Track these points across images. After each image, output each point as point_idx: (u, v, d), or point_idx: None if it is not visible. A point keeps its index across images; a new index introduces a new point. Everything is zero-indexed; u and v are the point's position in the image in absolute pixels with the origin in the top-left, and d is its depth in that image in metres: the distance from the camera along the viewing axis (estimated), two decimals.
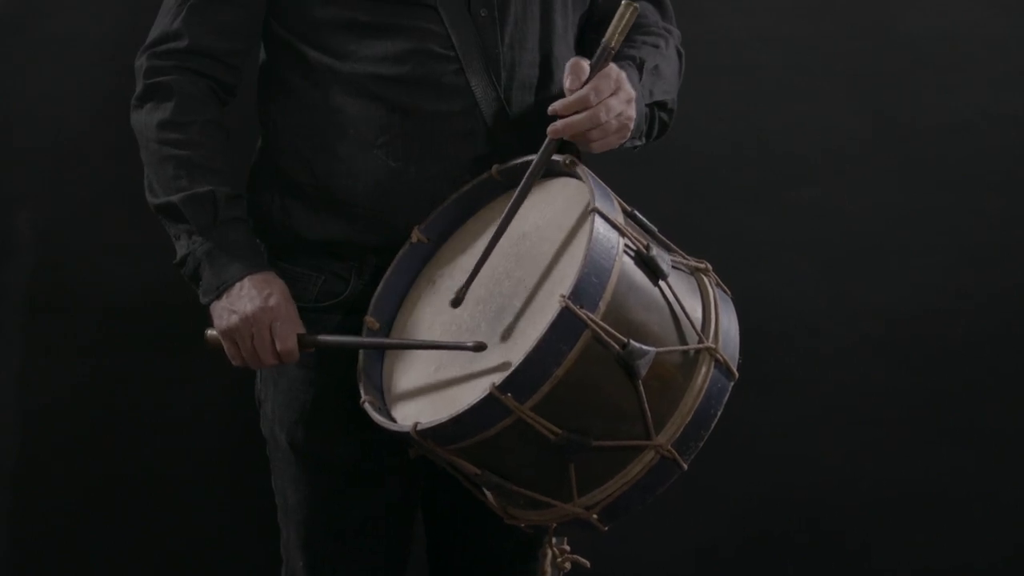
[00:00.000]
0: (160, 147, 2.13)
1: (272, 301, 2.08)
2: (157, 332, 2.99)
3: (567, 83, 2.02)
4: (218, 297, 2.10)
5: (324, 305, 2.19)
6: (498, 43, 2.15)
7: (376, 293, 2.14)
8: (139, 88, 2.17)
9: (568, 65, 2.03)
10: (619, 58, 2.11)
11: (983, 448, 3.17)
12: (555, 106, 2.03)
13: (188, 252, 2.12)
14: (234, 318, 2.08)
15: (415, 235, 2.13)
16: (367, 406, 2.00)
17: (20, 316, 2.97)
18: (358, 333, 2.12)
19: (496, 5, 2.15)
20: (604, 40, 2.01)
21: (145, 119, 2.16)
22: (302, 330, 2.11)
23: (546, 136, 2.18)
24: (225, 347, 2.12)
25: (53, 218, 2.94)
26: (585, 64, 2.02)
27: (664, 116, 2.24)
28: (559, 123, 2.02)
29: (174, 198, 2.10)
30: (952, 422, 3.16)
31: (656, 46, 2.25)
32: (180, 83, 2.15)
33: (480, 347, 1.93)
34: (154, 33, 2.19)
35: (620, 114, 2.05)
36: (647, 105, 2.18)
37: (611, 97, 2.03)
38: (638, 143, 2.20)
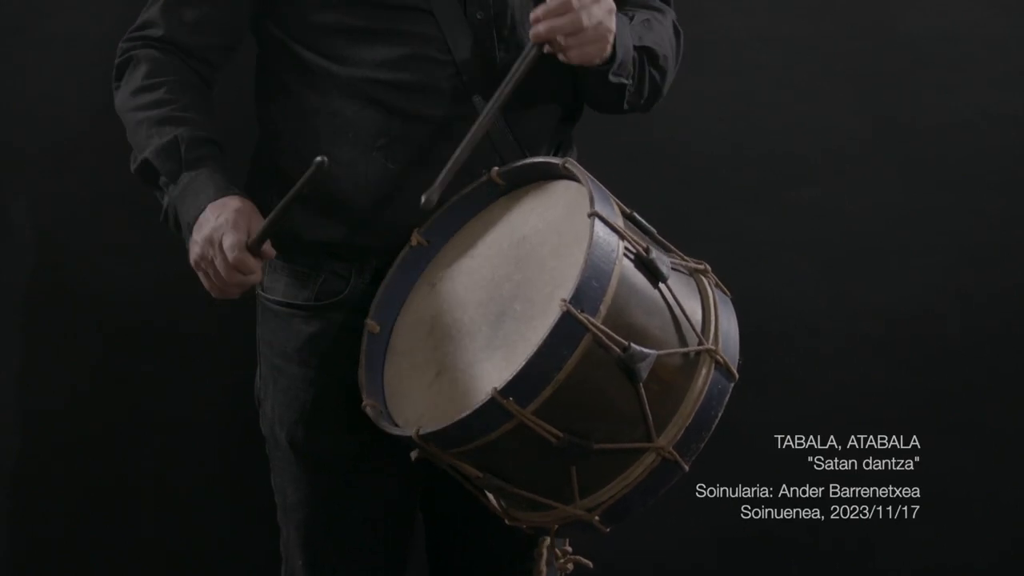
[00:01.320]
0: (134, 114, 2.15)
1: (222, 219, 2.05)
2: (157, 332, 2.99)
3: None
4: (191, 234, 2.09)
5: (324, 303, 2.19)
6: (495, 46, 2.15)
7: (376, 297, 2.13)
8: (114, 71, 2.20)
9: None
10: None
11: (983, 448, 3.17)
12: (537, 11, 2.03)
13: (167, 204, 2.12)
14: (195, 248, 2.07)
15: (415, 238, 2.13)
16: (369, 411, 2.01)
17: (20, 316, 2.97)
18: (359, 334, 2.12)
19: (492, 8, 2.15)
20: None
21: (121, 94, 2.18)
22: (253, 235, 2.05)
23: (544, 138, 2.18)
24: (202, 282, 2.11)
25: (53, 218, 2.94)
26: None
27: (655, 74, 2.23)
28: (540, 26, 2.02)
29: (146, 154, 2.11)
30: (952, 422, 3.16)
31: (648, 14, 2.26)
32: (148, 53, 2.17)
33: (322, 164, 1.91)
34: (136, 23, 2.22)
35: (600, 23, 2.05)
36: (636, 49, 2.17)
37: (593, 4, 2.03)
38: (625, 82, 2.17)
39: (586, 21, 2.02)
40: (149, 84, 2.15)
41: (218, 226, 2.04)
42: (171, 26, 2.17)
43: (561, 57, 2.06)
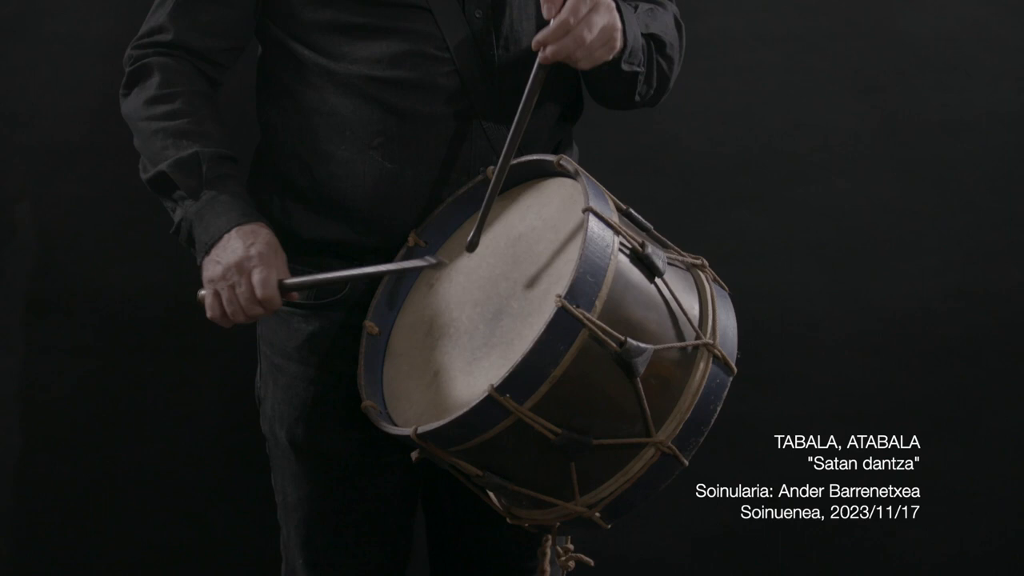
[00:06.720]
0: (148, 123, 2.13)
1: (254, 249, 2.06)
2: (157, 332, 2.99)
3: (544, 10, 2.00)
4: (207, 253, 2.09)
5: (324, 302, 2.19)
6: (493, 44, 2.15)
7: (375, 298, 2.14)
8: (124, 78, 2.19)
9: None
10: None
11: (983, 448, 3.17)
12: (539, 36, 2.01)
13: (182, 217, 2.11)
14: (217, 268, 2.06)
15: (412, 239, 2.13)
16: (368, 411, 2.01)
17: (20, 316, 2.97)
18: (359, 332, 2.13)
19: (491, 6, 2.15)
20: None
21: (132, 103, 2.17)
22: (285, 276, 2.08)
23: (542, 137, 2.18)
24: (207, 301, 2.10)
25: (53, 218, 2.95)
26: None
27: (663, 63, 2.22)
28: (547, 50, 2.00)
29: (162, 166, 2.10)
30: (952, 422, 3.16)
31: (651, 8, 2.25)
32: (161, 62, 2.16)
33: (441, 264, 2.00)
34: (142, 29, 2.20)
35: (603, 28, 2.03)
36: (643, 36, 2.16)
37: (591, 13, 2.01)
38: (639, 70, 2.17)
39: (588, 34, 2.00)
40: (163, 94, 2.14)
41: (250, 256, 2.05)
42: (180, 30, 2.16)
43: (574, 66, 2.05)
